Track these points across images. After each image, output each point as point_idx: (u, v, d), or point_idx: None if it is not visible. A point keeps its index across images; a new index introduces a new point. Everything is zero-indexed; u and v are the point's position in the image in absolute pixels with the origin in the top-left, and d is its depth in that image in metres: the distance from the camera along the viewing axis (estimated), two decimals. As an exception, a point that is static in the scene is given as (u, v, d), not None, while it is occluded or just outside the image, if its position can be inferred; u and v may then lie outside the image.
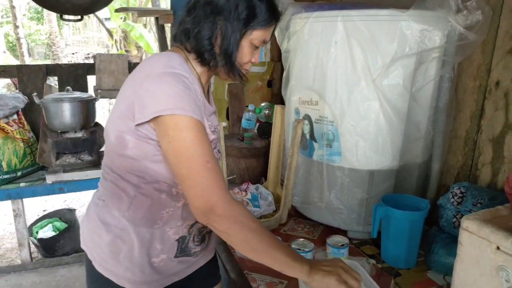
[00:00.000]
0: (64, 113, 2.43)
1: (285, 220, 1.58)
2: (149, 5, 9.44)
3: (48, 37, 12.78)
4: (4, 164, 2.45)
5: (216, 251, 1.28)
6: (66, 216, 3.09)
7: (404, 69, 1.28)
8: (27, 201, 2.73)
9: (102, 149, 2.77)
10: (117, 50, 10.55)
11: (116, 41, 10.87)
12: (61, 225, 2.98)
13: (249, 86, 2.55)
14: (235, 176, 1.93)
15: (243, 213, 0.89)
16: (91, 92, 2.91)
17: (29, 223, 2.91)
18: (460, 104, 1.45)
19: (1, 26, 13.96)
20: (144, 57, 10.49)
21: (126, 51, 10.17)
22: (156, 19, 3.20)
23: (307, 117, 1.46)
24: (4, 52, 12.98)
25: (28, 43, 12.74)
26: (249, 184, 1.77)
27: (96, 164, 2.59)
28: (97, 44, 16.10)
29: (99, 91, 2.93)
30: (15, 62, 11.03)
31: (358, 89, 1.31)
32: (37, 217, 3.12)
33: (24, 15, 14.73)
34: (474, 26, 1.26)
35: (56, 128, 2.49)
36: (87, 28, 16.99)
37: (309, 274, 0.89)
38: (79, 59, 13.67)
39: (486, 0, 1.28)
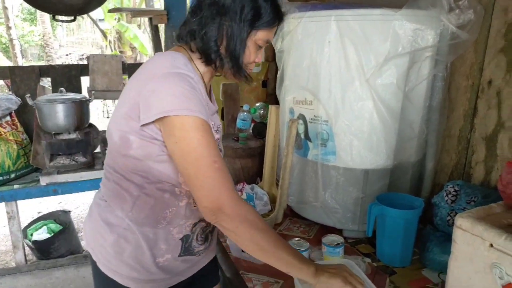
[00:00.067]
0: (58, 114, 2.41)
1: (281, 220, 1.58)
2: (143, 6, 9.42)
3: (42, 38, 12.70)
4: (-3, 166, 2.43)
5: (214, 251, 1.28)
6: (61, 218, 3.07)
7: (397, 69, 1.29)
8: (21, 203, 2.71)
9: (96, 151, 2.76)
10: (111, 51, 10.51)
11: (110, 42, 10.82)
12: (56, 227, 2.96)
13: (243, 86, 2.54)
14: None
15: (251, 212, 0.90)
16: (84, 93, 2.89)
17: (23, 225, 2.89)
18: (453, 103, 1.45)
19: (-6, 27, 13.85)
20: (138, 58, 10.46)
21: (121, 52, 10.13)
22: (150, 19, 3.19)
23: (302, 116, 1.47)
24: (-3, 53, 12.88)
25: (21, 45, 12.65)
26: (245, 184, 1.77)
27: (90, 165, 2.58)
28: (91, 45, 16.03)
29: (92, 92, 2.92)
30: (8, 63, 10.94)
31: (352, 89, 1.31)
32: (32, 219, 3.10)
33: (17, 16, 14.63)
34: (466, 25, 1.27)
35: (49, 130, 2.47)
36: (81, 29, 16.91)
37: (315, 276, 0.91)
38: (73, 60, 13.60)
39: (478, -1, 1.29)
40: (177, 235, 1.03)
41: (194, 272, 1.13)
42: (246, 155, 1.94)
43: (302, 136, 1.48)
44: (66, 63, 12.29)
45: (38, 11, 9.01)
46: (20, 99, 2.71)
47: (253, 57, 1.00)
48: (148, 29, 3.34)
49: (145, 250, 1.00)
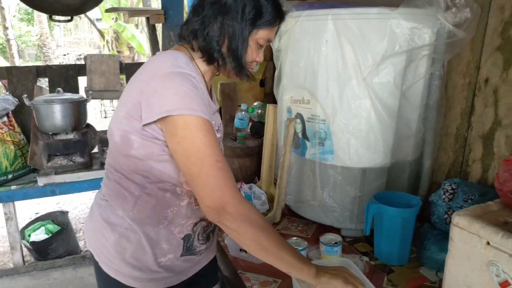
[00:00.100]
0: (55, 114, 2.40)
1: (279, 219, 1.58)
2: (140, 5, 9.40)
3: (39, 39, 12.68)
4: (-6, 167, 2.42)
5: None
6: (59, 218, 3.06)
7: (394, 67, 1.29)
8: (19, 204, 2.70)
9: (94, 151, 2.75)
10: (109, 50, 10.50)
11: (107, 41, 10.81)
12: (53, 227, 2.95)
13: (241, 86, 2.54)
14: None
15: (254, 211, 0.91)
16: (82, 93, 2.89)
17: (21, 226, 2.89)
18: (450, 101, 1.46)
19: (-9, 28, 13.80)
20: (136, 57, 10.45)
21: (118, 51, 10.11)
22: (147, 19, 3.18)
23: (299, 116, 1.47)
24: (-6, 53, 12.85)
25: (18, 45, 12.61)
26: (243, 183, 1.77)
27: (88, 165, 2.57)
28: (88, 45, 16.00)
29: (90, 92, 2.91)
30: (5, 64, 10.91)
31: (349, 87, 1.31)
32: (30, 220, 3.09)
33: (14, 16, 14.59)
34: (463, 24, 1.28)
35: (47, 130, 2.47)
36: (78, 29, 16.88)
37: (316, 276, 0.93)
38: (70, 60, 13.57)
39: (475, -3, 1.29)
40: (179, 234, 1.03)
41: (195, 271, 1.13)
42: (244, 154, 1.94)
43: (300, 135, 1.48)
44: (64, 63, 12.27)
45: (35, 11, 8.98)
46: (17, 100, 2.70)
47: (254, 56, 1.00)
48: (146, 28, 3.33)
49: (147, 249, 1.00)
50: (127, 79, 3.15)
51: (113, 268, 1.01)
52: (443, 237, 1.18)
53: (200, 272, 1.15)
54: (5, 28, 10.46)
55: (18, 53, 11.95)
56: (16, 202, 2.59)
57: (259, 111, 2.22)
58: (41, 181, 2.42)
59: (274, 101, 1.77)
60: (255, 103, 2.30)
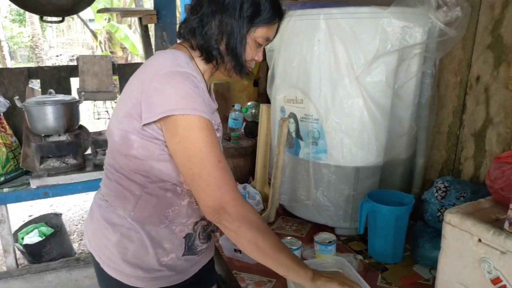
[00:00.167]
0: (47, 116, 2.38)
1: (273, 219, 1.58)
2: (133, 6, 9.35)
3: (31, 40, 12.55)
4: (-14, 170, 2.40)
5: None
6: (53, 220, 3.04)
7: (386, 66, 1.29)
8: (12, 207, 2.67)
9: (87, 152, 2.73)
10: (102, 51, 10.43)
11: (100, 42, 10.74)
12: (47, 230, 2.93)
13: (235, 86, 2.54)
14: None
15: (253, 213, 0.91)
16: (74, 94, 2.87)
17: (14, 229, 2.86)
18: (442, 99, 1.47)
19: (-18, 29, 13.65)
20: (129, 58, 10.39)
21: (111, 52, 10.05)
22: (140, 19, 3.17)
23: (293, 115, 1.47)
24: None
25: (9, 46, 12.50)
26: (237, 183, 1.77)
27: (81, 167, 2.55)
28: (81, 46, 15.89)
29: (82, 93, 2.89)
30: (-4, 65, 10.82)
31: (342, 87, 1.32)
32: (23, 223, 3.06)
33: (5, 17, 14.44)
34: (454, 22, 1.28)
35: (39, 132, 2.45)
36: (71, 30, 16.75)
37: (312, 280, 0.94)
38: (63, 61, 13.46)
39: (465, -4, 1.30)
40: (180, 233, 1.03)
41: (195, 271, 1.12)
42: (238, 154, 1.94)
43: (293, 134, 1.48)
44: (56, 64, 12.17)
45: (27, 12, 8.90)
46: (8, 101, 2.67)
47: (253, 54, 1.00)
48: (139, 29, 3.31)
49: (149, 249, 1.00)
50: (120, 80, 3.13)
51: (115, 268, 1.01)
52: (436, 234, 1.19)
53: (200, 272, 1.15)
54: (-4, 30, 10.38)
55: (10, 54, 11.86)
56: (8, 205, 2.56)
57: (253, 111, 2.22)
58: (34, 183, 2.40)
59: (267, 101, 1.77)
60: (249, 103, 2.30)
